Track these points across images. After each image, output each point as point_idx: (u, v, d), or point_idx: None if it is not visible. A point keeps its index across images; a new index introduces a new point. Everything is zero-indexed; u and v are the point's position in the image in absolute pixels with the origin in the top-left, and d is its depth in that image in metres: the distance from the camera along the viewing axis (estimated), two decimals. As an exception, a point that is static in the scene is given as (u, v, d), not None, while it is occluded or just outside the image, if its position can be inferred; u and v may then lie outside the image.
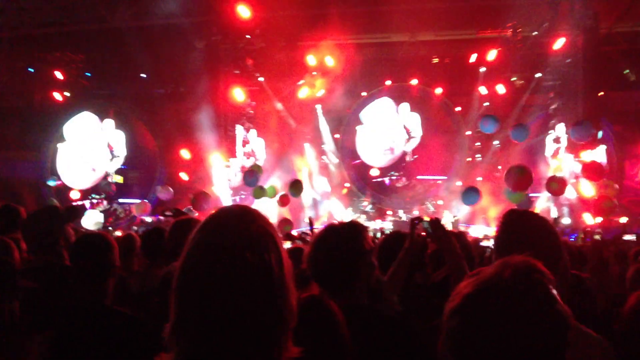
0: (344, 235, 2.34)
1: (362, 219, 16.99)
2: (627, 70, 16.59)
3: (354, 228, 2.41)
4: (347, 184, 19.34)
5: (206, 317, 1.24)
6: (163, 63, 16.44)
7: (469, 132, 18.58)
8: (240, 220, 1.34)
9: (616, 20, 15.56)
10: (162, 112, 17.85)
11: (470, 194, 13.23)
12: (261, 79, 17.51)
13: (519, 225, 2.12)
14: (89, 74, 18.54)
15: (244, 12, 14.86)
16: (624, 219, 14.49)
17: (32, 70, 18.20)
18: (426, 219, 3.13)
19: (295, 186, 14.65)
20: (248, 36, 16.60)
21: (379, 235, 12.06)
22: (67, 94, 18.28)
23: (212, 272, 1.25)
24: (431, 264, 3.84)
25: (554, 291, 1.28)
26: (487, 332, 1.21)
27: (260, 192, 14.70)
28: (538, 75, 16.85)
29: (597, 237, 11.25)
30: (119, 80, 18.27)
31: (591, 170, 13.33)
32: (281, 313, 1.30)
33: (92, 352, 2.50)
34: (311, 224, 6.38)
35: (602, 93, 15.20)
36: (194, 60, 15.78)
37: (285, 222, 10.10)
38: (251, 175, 14.56)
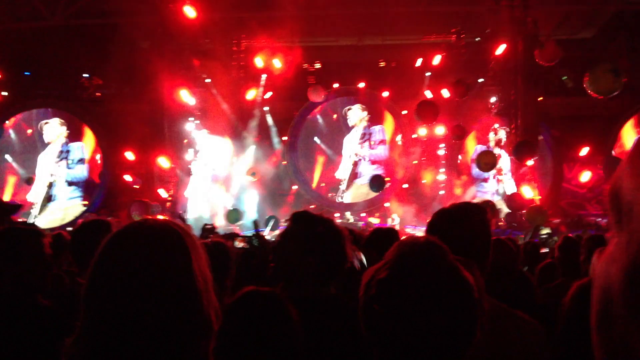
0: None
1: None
2: (565, 77, 17.20)
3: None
4: (295, 187, 19.31)
5: (114, 323, 1.24)
6: (106, 63, 16.00)
7: (415, 135, 18.83)
8: (152, 232, 1.34)
9: (555, 27, 16.13)
10: (105, 112, 17.36)
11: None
12: (208, 80, 17.28)
13: (446, 222, 2.15)
14: (27, 73, 17.87)
15: (190, 12, 14.66)
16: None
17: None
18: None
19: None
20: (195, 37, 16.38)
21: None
22: (4, 93, 17.54)
23: (122, 279, 1.26)
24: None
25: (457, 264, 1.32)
26: (407, 311, 1.25)
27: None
28: (481, 80, 17.28)
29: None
30: (59, 79, 17.68)
31: (515, 201, 14.32)
32: (193, 323, 1.30)
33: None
34: (257, 226, 6.27)
35: (541, 98, 15.68)
36: (138, 61, 15.43)
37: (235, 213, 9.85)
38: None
